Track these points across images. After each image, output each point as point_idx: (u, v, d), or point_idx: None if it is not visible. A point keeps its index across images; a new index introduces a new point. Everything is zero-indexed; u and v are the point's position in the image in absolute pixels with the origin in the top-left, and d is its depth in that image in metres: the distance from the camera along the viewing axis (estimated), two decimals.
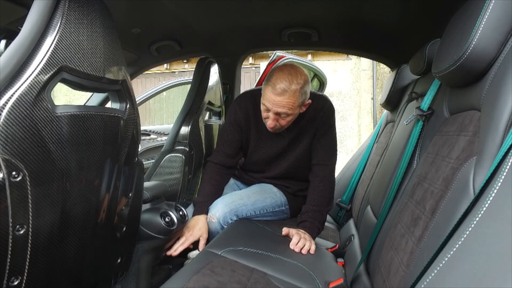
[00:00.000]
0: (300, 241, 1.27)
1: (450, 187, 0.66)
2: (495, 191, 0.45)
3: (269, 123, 1.36)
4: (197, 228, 1.39)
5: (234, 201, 1.45)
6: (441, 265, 0.47)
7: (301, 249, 1.25)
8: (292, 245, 1.25)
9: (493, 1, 0.66)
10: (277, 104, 1.30)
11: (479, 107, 0.69)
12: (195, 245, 1.59)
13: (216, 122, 2.04)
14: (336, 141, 1.56)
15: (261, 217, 1.51)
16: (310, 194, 1.47)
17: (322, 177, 1.47)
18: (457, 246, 0.46)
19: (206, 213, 1.44)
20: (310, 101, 1.40)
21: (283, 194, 1.58)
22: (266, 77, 1.36)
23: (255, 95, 1.52)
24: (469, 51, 0.68)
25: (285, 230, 1.35)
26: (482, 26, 0.67)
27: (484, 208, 0.45)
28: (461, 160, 0.67)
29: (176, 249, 1.34)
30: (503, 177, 0.46)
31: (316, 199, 1.44)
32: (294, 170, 1.57)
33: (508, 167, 0.47)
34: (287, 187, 1.60)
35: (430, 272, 0.48)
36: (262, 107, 1.38)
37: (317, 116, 1.48)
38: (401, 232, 0.84)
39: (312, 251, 1.26)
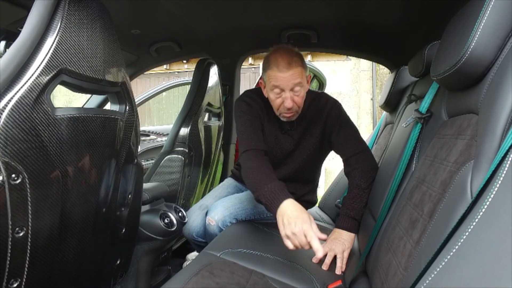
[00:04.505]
0: (328, 258, 1.17)
1: (448, 190, 0.67)
2: (492, 195, 0.46)
3: (288, 103, 1.29)
4: (303, 218, 1.05)
5: (234, 205, 1.44)
6: (438, 269, 0.47)
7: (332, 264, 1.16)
8: (324, 267, 1.16)
9: (490, 5, 0.66)
10: (289, 78, 1.27)
11: (476, 111, 0.69)
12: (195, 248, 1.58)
13: (215, 123, 2.05)
14: (358, 131, 1.45)
15: (261, 220, 1.51)
16: (350, 182, 1.35)
17: (358, 164, 1.35)
18: (454, 250, 0.46)
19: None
20: (310, 74, 1.39)
21: None
22: (264, 65, 1.34)
23: (259, 93, 1.48)
24: (467, 55, 0.69)
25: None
26: (480, 30, 0.67)
27: (481, 213, 0.45)
28: (459, 164, 0.67)
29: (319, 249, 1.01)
30: (500, 181, 0.46)
31: (353, 185, 1.32)
32: (300, 172, 1.52)
33: (505, 171, 0.47)
34: (290, 193, 1.51)
35: (427, 276, 0.48)
36: (273, 94, 1.32)
37: (322, 114, 1.43)
38: (399, 234, 0.84)
39: (345, 262, 1.17)
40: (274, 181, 1.22)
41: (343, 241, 1.24)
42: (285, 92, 1.29)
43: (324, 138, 1.45)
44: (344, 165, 1.43)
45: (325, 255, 1.20)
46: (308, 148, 1.47)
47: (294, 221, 1.04)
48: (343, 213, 1.30)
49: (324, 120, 1.43)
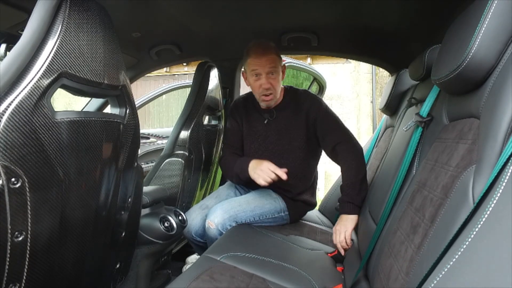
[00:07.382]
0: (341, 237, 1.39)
1: (450, 195, 0.66)
2: (495, 201, 0.45)
3: (265, 84, 1.50)
4: (264, 165, 1.44)
5: (233, 208, 1.45)
6: (440, 275, 0.46)
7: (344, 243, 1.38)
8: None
9: (492, 9, 0.66)
10: (264, 62, 1.49)
11: (478, 115, 0.69)
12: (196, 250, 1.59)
13: (215, 126, 2.04)
14: (340, 120, 1.59)
15: (261, 223, 1.51)
16: (342, 173, 1.51)
17: (345, 153, 1.49)
18: (456, 256, 0.46)
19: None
20: (284, 65, 1.60)
21: (283, 200, 1.58)
22: (244, 56, 1.55)
23: (246, 97, 1.72)
24: (468, 59, 0.68)
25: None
26: (481, 34, 0.67)
27: (484, 219, 0.45)
28: (461, 168, 0.67)
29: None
30: (502, 186, 0.46)
31: (345, 176, 1.48)
32: (291, 167, 1.53)
33: (507, 176, 0.46)
34: (286, 191, 1.59)
35: (430, 282, 0.48)
36: (252, 79, 1.53)
37: (302, 108, 1.56)
38: (400, 239, 0.84)
39: (348, 239, 1.38)
40: (239, 158, 1.58)
41: (345, 224, 1.41)
42: (262, 75, 1.50)
43: (310, 132, 1.57)
44: (331, 156, 1.56)
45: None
46: (294, 142, 1.58)
47: (260, 167, 1.44)
48: (340, 200, 1.47)
49: (306, 113, 1.56)
